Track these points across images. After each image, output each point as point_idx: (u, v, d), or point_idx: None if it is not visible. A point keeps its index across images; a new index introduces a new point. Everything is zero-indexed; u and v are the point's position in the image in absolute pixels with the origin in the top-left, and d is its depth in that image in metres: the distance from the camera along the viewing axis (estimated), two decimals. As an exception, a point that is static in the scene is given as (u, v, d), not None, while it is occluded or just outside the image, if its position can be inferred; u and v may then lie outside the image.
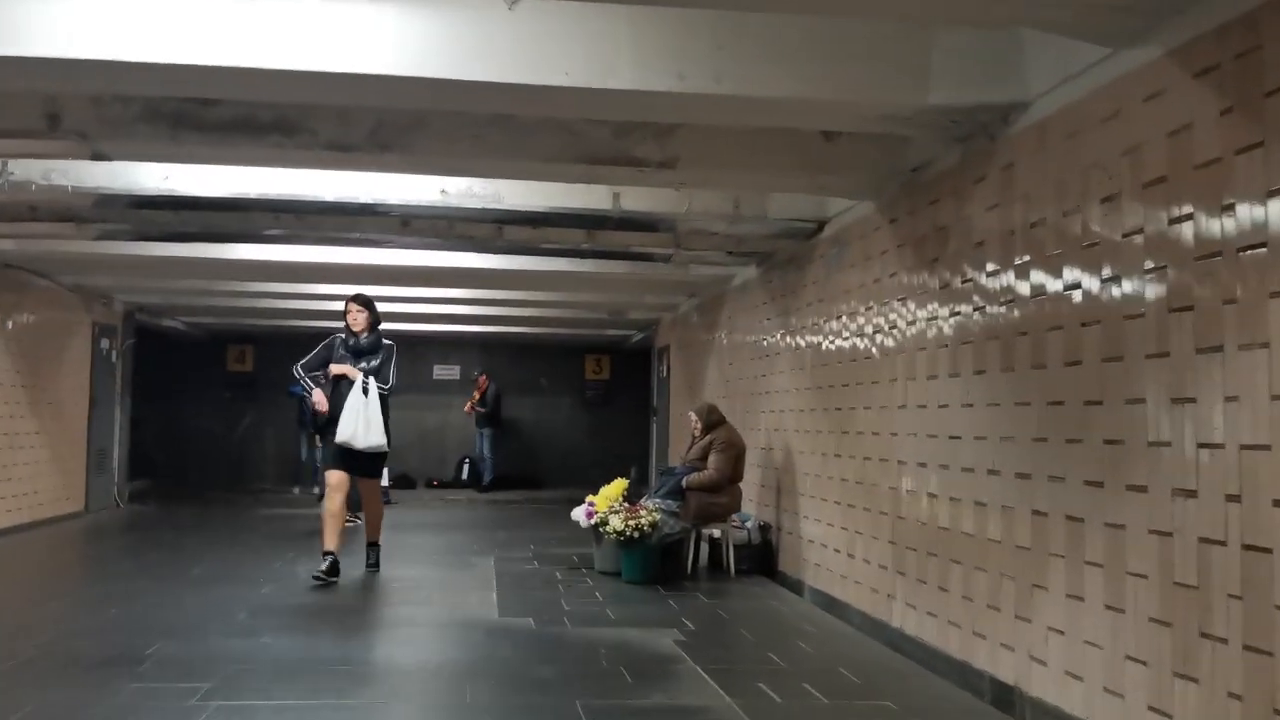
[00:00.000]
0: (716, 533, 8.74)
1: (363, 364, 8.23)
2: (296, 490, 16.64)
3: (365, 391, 8.08)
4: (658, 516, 8.02)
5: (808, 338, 8.06)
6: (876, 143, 5.99)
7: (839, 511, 7.20)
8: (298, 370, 8.46)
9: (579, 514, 8.49)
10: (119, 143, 5.78)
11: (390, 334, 8.73)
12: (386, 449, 8.35)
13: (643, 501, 8.37)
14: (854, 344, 7.10)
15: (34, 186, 6.94)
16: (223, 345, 18.54)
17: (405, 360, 19.84)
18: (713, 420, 8.70)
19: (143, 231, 8.46)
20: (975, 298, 5.22)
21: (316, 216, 7.73)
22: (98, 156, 6.01)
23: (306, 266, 10.15)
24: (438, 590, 7.81)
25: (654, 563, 8.06)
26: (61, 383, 12.05)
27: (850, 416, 7.11)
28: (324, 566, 7.80)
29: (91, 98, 5.45)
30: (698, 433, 8.73)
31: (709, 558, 8.92)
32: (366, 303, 8.47)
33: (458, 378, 19.18)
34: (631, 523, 7.86)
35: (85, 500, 12.78)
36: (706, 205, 7.65)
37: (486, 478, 17.98)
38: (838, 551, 7.18)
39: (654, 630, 6.35)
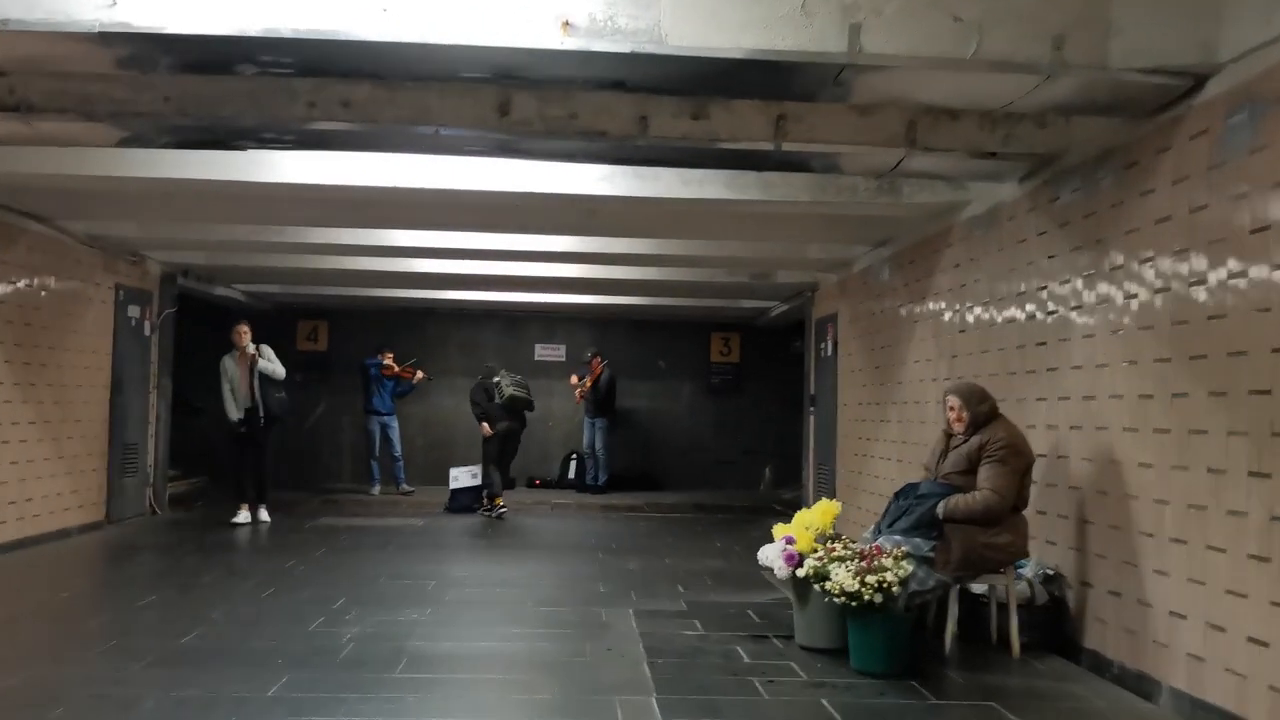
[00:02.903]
0: (979, 586, 5.67)
1: None
2: (376, 490, 13.96)
3: None
4: (909, 568, 4.96)
5: (1157, 280, 4.91)
6: None
7: (1254, 572, 4.09)
8: None
9: (772, 558, 5.47)
10: None
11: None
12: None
13: (878, 541, 5.31)
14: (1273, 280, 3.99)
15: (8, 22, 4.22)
16: (292, 320, 15.94)
17: (501, 338, 17.32)
18: (982, 411, 5.55)
19: (189, 126, 5.70)
20: None
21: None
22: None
23: (377, 193, 7.30)
24: (557, 685, 4.87)
25: (903, 643, 5.01)
26: (70, 361, 9.44)
27: (1267, 406, 4.00)
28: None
29: None
30: (958, 428, 5.61)
31: (959, 619, 5.81)
32: None
33: (563, 359, 16.30)
34: (872, 580, 4.80)
35: (106, 508, 10.20)
36: (1008, 43, 4.53)
37: (599, 477, 15.09)
38: (1256, 643, 4.07)
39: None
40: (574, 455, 15.85)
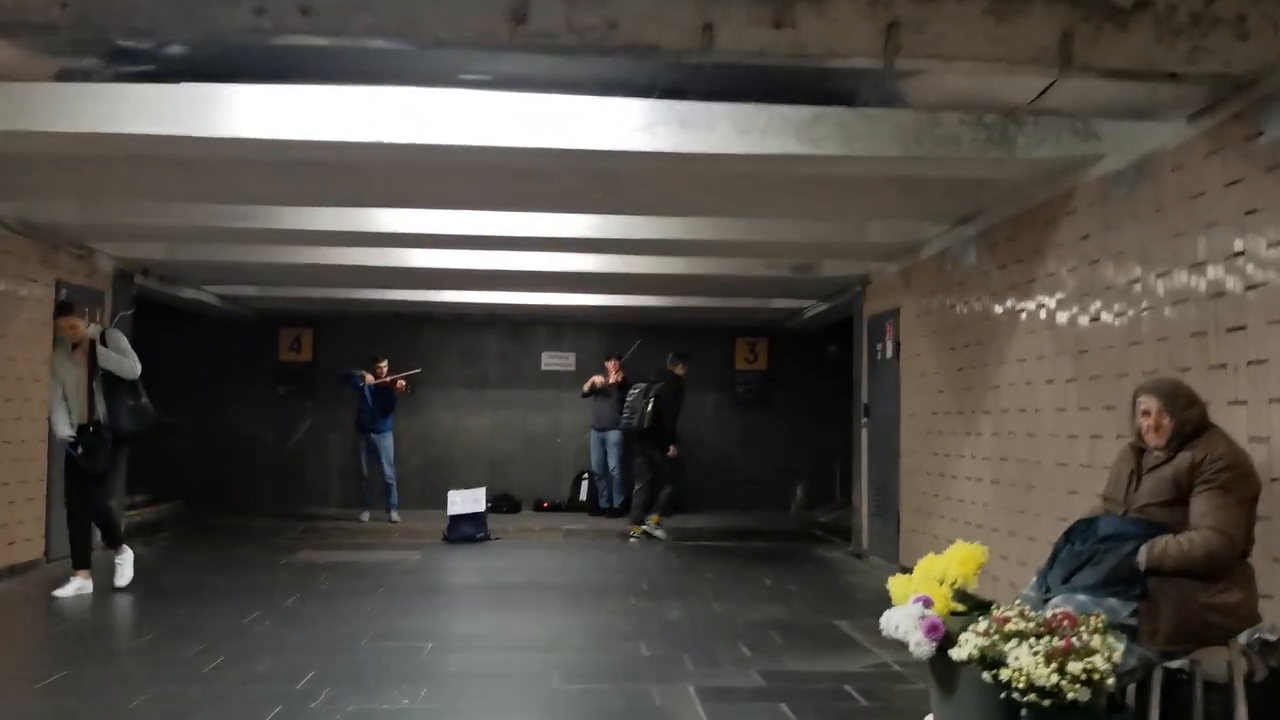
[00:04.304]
0: (1178, 662, 4.11)
1: None
2: (366, 516, 12.40)
3: None
4: (1118, 645, 3.41)
5: None
6: None
7: None
8: None
9: (903, 627, 3.90)
10: None
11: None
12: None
13: (1055, 601, 3.77)
14: None
15: None
16: (273, 327, 14.40)
17: (504, 345, 15.79)
18: (1190, 419, 3.95)
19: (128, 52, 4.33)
20: None
21: None
22: None
23: (350, 152, 5.79)
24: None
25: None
26: (-5, 369, 7.90)
27: None
28: None
29: None
30: (1155, 442, 4.03)
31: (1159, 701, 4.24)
32: None
33: (572, 368, 14.74)
34: (1076, 669, 3.25)
35: (46, 543, 8.64)
36: None
37: (614, 499, 13.53)
38: None
39: None
40: (585, 475, 14.30)
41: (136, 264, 10.14)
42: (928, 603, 3.90)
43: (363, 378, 12.51)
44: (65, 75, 4.71)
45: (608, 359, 13.57)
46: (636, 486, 11.56)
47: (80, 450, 7.25)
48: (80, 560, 7.38)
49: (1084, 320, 5.92)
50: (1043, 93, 4.71)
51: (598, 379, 13.48)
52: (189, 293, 11.84)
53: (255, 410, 14.29)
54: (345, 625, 6.25)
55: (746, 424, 14.92)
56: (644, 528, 11.17)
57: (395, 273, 10.58)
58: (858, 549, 10.04)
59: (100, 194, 7.71)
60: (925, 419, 8.51)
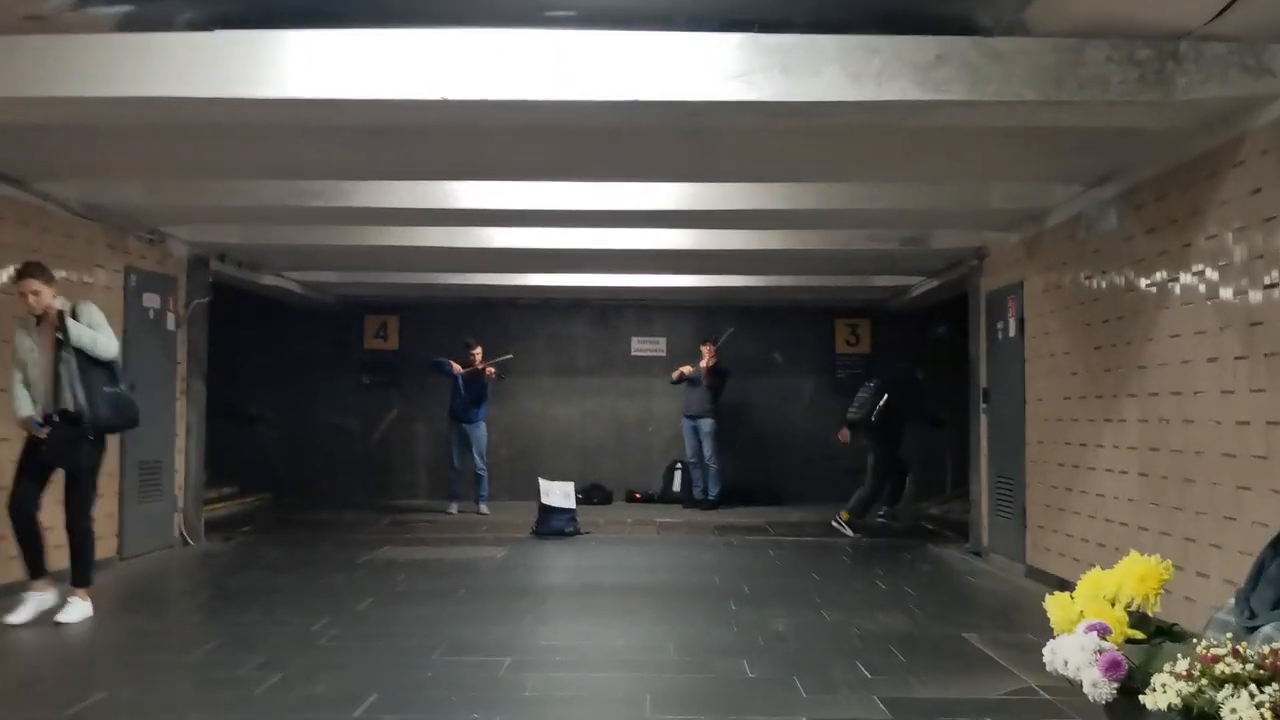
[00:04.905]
0: None
1: None
2: (454, 508, 11.95)
3: None
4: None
5: None
6: None
7: None
8: None
9: (1075, 660, 3.14)
10: None
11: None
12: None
13: (1264, 633, 3.00)
14: None
15: None
16: (359, 315, 14.04)
17: (592, 331, 15.23)
18: None
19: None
20: None
21: None
22: None
23: (416, 111, 5.23)
24: None
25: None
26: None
27: None
28: None
29: None
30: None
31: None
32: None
33: (664, 353, 14.10)
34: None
35: (119, 541, 8.32)
36: None
37: (710, 490, 12.85)
38: None
39: None
40: (678, 465, 13.66)
41: (212, 249, 9.78)
42: (1104, 631, 3.16)
43: (451, 365, 12.03)
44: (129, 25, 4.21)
45: (703, 343, 12.91)
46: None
47: (48, 435, 5.97)
48: (36, 569, 6.13)
49: (1257, 289, 5.07)
50: (1225, 9, 3.91)
51: (686, 368, 12.84)
52: (269, 279, 11.49)
53: (341, 400, 13.97)
54: (418, 635, 5.70)
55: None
56: (843, 520, 10.88)
57: (477, 254, 10.07)
58: (976, 547, 9.22)
59: (162, 172, 7.34)
60: (1056, 404, 7.67)
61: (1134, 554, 3.60)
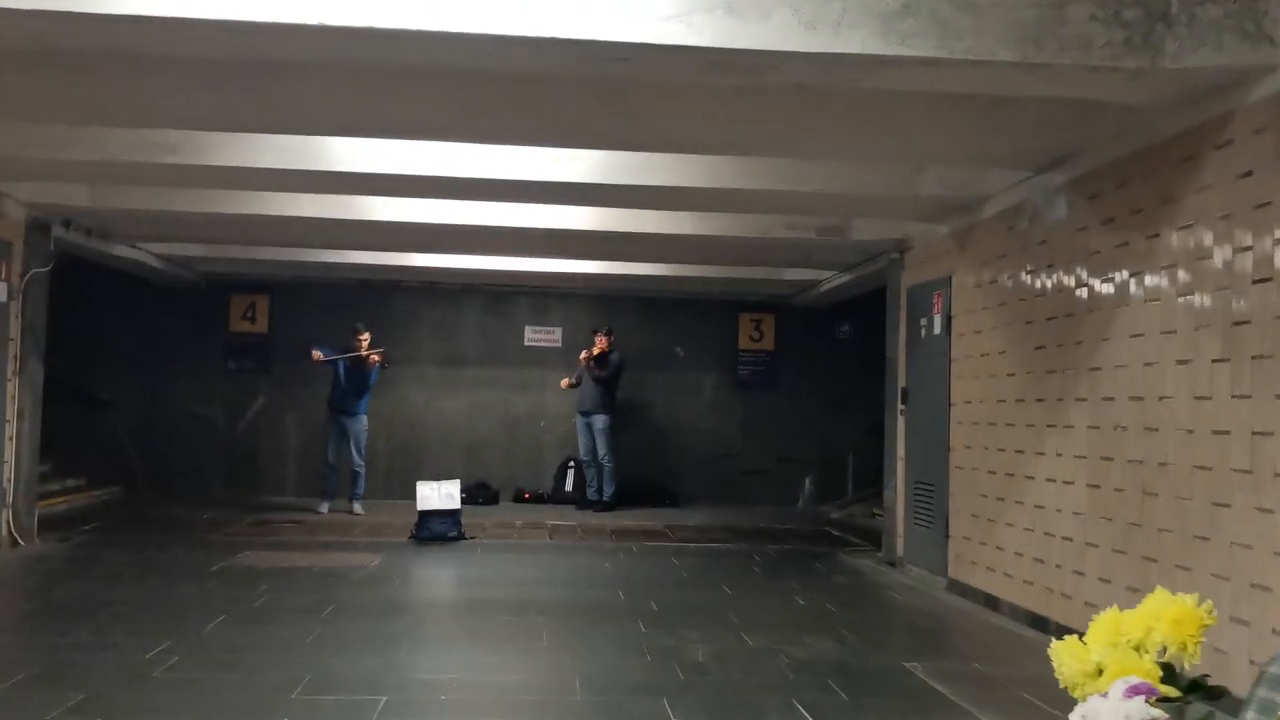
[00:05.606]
0: None
1: None
2: (325, 507, 10.93)
3: None
4: None
5: None
6: None
7: None
8: None
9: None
10: None
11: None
12: None
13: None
14: None
15: None
16: (224, 295, 12.87)
17: (483, 318, 14.34)
18: None
19: None
20: None
21: None
22: None
23: (280, 35, 4.35)
24: None
25: None
26: None
27: None
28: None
29: None
30: None
31: None
32: None
33: (559, 344, 13.31)
34: None
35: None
36: None
37: (604, 490, 12.10)
38: None
39: None
40: (570, 462, 12.88)
41: (55, 211, 8.62)
42: (1149, 693, 2.49)
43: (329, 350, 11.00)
44: None
45: (595, 332, 12.17)
46: None
47: None
48: None
49: (1243, 285, 4.53)
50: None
51: (572, 377, 12.11)
52: (123, 251, 10.30)
53: (204, 387, 12.80)
54: (275, 666, 4.81)
55: (750, 409, 13.52)
56: None
57: (357, 228, 9.12)
58: (890, 556, 8.67)
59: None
60: (987, 407, 7.13)
61: (1160, 591, 2.95)
